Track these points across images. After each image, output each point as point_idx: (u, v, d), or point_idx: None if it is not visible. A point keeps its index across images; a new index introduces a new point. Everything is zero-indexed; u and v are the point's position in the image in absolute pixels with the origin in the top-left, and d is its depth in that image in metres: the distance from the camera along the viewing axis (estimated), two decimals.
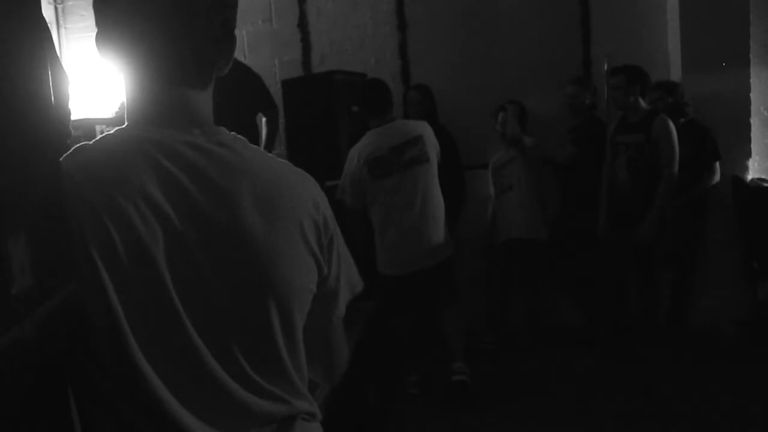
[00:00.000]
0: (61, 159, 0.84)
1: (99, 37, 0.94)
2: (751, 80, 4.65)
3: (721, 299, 4.54)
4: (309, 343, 1.05)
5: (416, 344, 4.10)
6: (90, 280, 0.81)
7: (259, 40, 5.24)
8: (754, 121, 4.71)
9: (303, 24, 5.20)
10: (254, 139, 4.27)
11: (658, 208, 3.97)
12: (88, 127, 4.13)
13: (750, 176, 4.68)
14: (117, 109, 4.42)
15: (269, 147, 4.38)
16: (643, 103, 4.14)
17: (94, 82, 4.82)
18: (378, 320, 4.26)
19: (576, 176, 4.50)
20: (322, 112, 4.59)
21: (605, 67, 4.37)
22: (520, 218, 4.51)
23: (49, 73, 0.76)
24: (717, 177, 4.39)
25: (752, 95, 4.67)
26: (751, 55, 4.62)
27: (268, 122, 4.43)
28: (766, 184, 4.55)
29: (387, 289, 3.71)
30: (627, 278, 4.46)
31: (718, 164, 4.38)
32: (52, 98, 0.76)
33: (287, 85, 4.86)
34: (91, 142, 0.91)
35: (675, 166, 3.97)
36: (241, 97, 4.10)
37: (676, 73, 4.69)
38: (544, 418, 3.55)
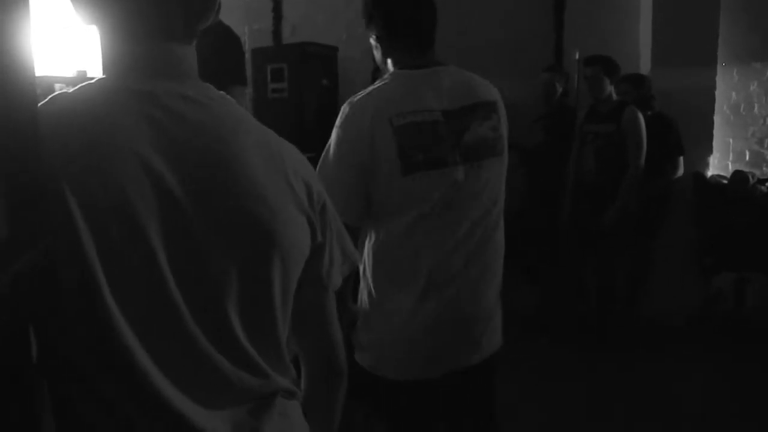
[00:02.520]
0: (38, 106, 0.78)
1: None
2: (716, 79, 4.73)
3: (674, 292, 4.64)
4: (301, 327, 1.00)
5: None
6: (68, 238, 0.75)
7: (229, 6, 5.06)
8: (717, 119, 4.81)
9: None
10: None
11: (623, 199, 4.02)
12: (46, 85, 3.96)
13: (710, 173, 4.78)
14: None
15: None
16: (613, 94, 4.18)
17: (54, 37, 4.64)
18: None
19: (544, 162, 4.53)
20: (292, 84, 4.52)
21: (576, 56, 4.40)
22: None
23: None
24: (680, 171, 4.46)
25: (717, 93, 4.75)
26: (718, 55, 4.70)
27: (237, 97, 4.27)
28: (724, 182, 4.66)
29: (395, 408, 1.87)
30: (586, 265, 4.51)
31: (681, 159, 4.45)
32: (19, 40, 0.70)
33: (257, 53, 4.77)
34: (70, 91, 0.85)
35: (642, 157, 4.01)
36: (219, 57, 3.97)
37: (645, 66, 4.74)
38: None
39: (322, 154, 1.71)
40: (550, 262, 4.59)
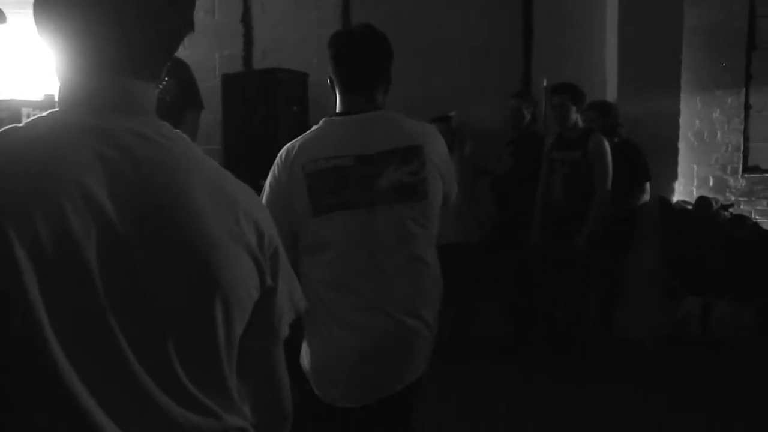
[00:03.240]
0: None
1: (40, 13, 0.86)
2: (680, 106, 4.83)
3: (644, 315, 4.68)
4: (248, 372, 0.99)
5: None
6: (9, 276, 0.73)
7: (200, 32, 5.08)
8: (682, 146, 4.90)
9: (246, 19, 5.11)
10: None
11: (591, 225, 4.06)
12: (14, 109, 3.91)
13: (675, 198, 4.86)
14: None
15: None
16: (580, 122, 4.24)
17: (23, 61, 4.59)
18: None
19: (513, 188, 4.57)
20: (261, 110, 4.51)
21: (544, 83, 4.47)
22: (452, 225, 4.51)
23: None
24: (647, 196, 4.53)
25: (681, 121, 4.85)
26: (682, 83, 4.80)
27: (187, 122, 4.01)
28: (689, 207, 4.74)
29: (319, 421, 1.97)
30: (557, 290, 4.54)
31: (648, 185, 4.52)
32: None
33: (227, 79, 4.76)
34: (21, 125, 0.84)
35: (608, 183, 4.07)
36: (170, 88, 3.95)
37: (612, 93, 4.82)
38: None
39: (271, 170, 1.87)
40: (521, 287, 4.61)
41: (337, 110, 1.92)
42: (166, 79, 3.96)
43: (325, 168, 1.80)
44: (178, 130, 0.93)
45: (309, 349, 1.90)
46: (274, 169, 1.84)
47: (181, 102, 4.04)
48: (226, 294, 0.88)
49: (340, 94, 1.92)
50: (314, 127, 1.90)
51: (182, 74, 4.09)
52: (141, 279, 0.82)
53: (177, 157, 0.88)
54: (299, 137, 1.88)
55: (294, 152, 1.82)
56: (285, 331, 1.05)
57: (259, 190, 4.75)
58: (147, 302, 0.83)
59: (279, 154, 1.85)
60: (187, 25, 0.92)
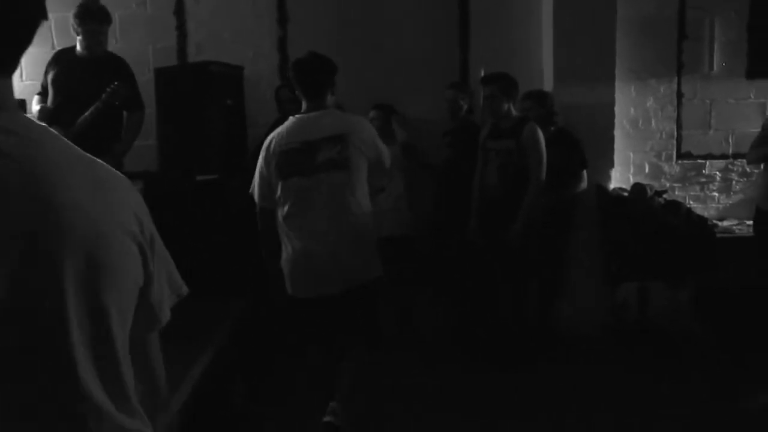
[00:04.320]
0: None
1: None
2: (615, 95, 4.90)
3: (585, 302, 4.75)
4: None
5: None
6: None
7: (132, 25, 4.99)
8: (617, 134, 4.98)
9: (179, 11, 5.01)
10: (117, 135, 4.00)
11: (526, 213, 4.09)
12: None
13: (612, 185, 4.93)
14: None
15: (126, 149, 4.05)
16: (513, 111, 4.26)
17: None
18: (247, 318, 4.16)
19: (452, 179, 4.58)
20: (195, 104, 4.42)
21: (482, 73, 4.48)
22: (390, 218, 4.51)
23: None
24: (584, 184, 4.59)
25: (616, 109, 4.92)
26: (616, 71, 4.87)
27: (132, 124, 4.06)
28: (625, 194, 4.82)
29: (294, 313, 3.22)
30: (498, 279, 4.56)
31: (585, 172, 4.58)
32: None
33: (160, 73, 4.65)
34: None
35: (542, 172, 4.10)
36: (120, 92, 3.87)
37: (549, 83, 4.87)
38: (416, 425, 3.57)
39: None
40: (462, 277, 4.63)
41: (303, 110, 3.07)
42: (116, 83, 3.85)
43: (285, 149, 3.00)
44: (43, 124, 0.90)
45: (283, 258, 3.08)
46: (262, 152, 3.07)
47: (127, 103, 3.95)
48: (117, 282, 0.88)
49: (302, 100, 3.09)
50: (286, 122, 3.09)
51: (125, 74, 4.00)
52: (31, 276, 0.80)
53: (48, 152, 0.86)
54: (276, 129, 3.12)
55: (272, 140, 3.05)
56: (166, 315, 1.04)
57: (195, 183, 4.65)
58: (40, 300, 0.81)
59: (264, 143, 3.10)
60: (39, 14, 0.88)
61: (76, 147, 0.92)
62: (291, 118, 3.06)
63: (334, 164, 2.94)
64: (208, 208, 4.30)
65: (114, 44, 4.61)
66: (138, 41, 4.96)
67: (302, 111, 3.06)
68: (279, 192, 3.00)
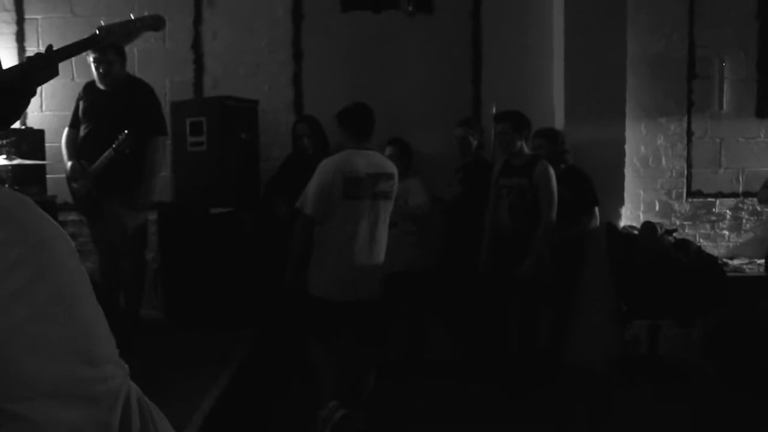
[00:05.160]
0: None
1: None
2: (626, 133, 4.94)
3: (595, 338, 4.74)
4: None
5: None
6: None
7: (151, 59, 5.07)
8: (628, 172, 5.01)
9: (197, 45, 5.09)
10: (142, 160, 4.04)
11: (536, 250, 4.12)
12: None
13: (622, 223, 4.95)
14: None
15: (153, 175, 4.08)
16: (526, 148, 4.30)
17: None
18: (258, 354, 4.17)
19: (462, 215, 4.60)
20: (211, 137, 4.49)
21: (493, 110, 4.53)
22: (396, 254, 4.51)
23: None
24: (596, 222, 4.61)
25: (626, 147, 4.96)
26: (626, 110, 4.92)
27: (152, 150, 4.06)
28: (635, 232, 4.83)
29: (317, 312, 3.55)
30: (508, 315, 4.56)
31: (597, 209, 4.60)
32: None
33: (177, 107, 4.73)
34: None
35: (553, 209, 4.13)
36: (140, 115, 3.93)
37: (560, 120, 4.91)
38: None
39: (316, 173, 3.54)
40: (471, 312, 4.63)
41: (351, 146, 3.58)
42: (125, 132, 3.87)
43: (353, 176, 3.48)
44: None
45: (320, 265, 3.55)
46: (325, 173, 3.49)
47: (150, 128, 4.00)
48: None
49: (353, 138, 3.60)
50: (341, 153, 3.60)
51: (142, 100, 4.04)
52: None
53: None
54: (334, 157, 3.62)
55: (335, 166, 3.50)
56: None
57: (212, 216, 4.67)
58: None
59: (323, 167, 3.53)
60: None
61: None
62: (351, 151, 3.56)
63: (385, 195, 3.58)
64: (222, 241, 4.34)
65: None
66: (156, 74, 5.02)
67: (354, 147, 3.57)
68: (338, 211, 3.49)
